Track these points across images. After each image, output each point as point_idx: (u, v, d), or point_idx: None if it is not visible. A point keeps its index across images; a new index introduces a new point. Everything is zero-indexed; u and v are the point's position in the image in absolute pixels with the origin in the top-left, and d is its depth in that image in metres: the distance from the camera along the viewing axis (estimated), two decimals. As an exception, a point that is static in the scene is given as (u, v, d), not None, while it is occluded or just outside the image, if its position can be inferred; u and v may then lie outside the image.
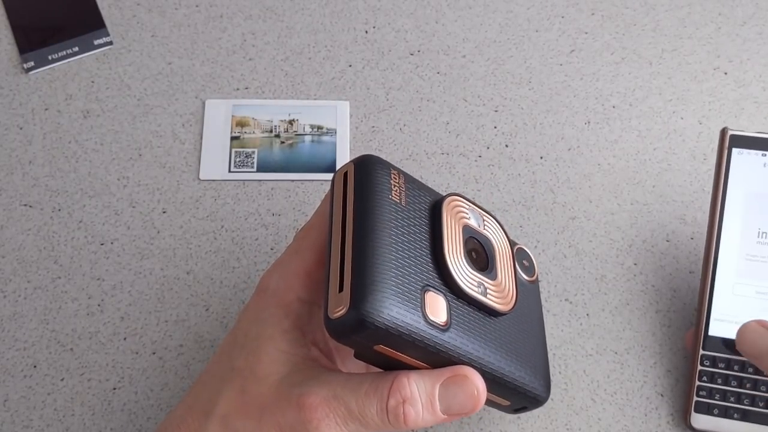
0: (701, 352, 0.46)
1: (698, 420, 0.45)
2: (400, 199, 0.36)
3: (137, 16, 0.61)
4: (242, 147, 0.56)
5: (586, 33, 0.62)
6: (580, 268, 0.52)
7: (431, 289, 0.34)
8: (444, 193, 0.39)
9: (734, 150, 0.47)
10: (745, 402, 0.45)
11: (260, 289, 0.38)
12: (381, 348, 0.33)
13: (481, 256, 0.38)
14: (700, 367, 0.46)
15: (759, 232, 0.46)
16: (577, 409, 0.47)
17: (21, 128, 0.56)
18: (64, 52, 0.59)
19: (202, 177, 0.54)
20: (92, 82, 0.58)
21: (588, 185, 0.55)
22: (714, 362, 0.46)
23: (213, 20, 0.61)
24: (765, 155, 0.47)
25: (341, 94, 0.58)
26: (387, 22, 0.62)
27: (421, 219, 0.36)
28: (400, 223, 0.35)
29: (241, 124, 0.57)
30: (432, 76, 0.60)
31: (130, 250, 0.51)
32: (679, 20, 0.63)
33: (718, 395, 0.45)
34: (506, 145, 0.57)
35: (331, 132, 0.57)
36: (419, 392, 0.34)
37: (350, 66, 0.60)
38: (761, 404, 0.45)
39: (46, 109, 0.57)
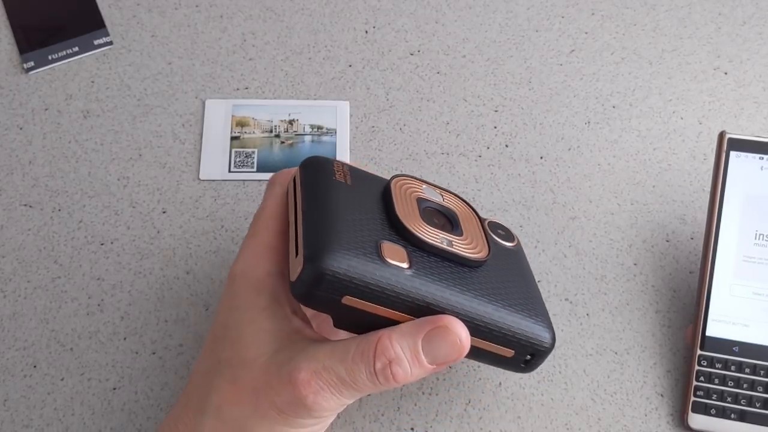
0: (699, 352, 0.46)
1: (695, 420, 0.45)
2: (345, 180, 0.38)
3: (137, 16, 0.61)
4: (242, 147, 0.56)
5: (586, 33, 0.62)
6: (580, 268, 0.52)
7: (387, 241, 0.35)
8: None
9: (732, 153, 0.47)
10: (742, 402, 0.45)
11: (229, 279, 0.38)
12: (349, 300, 0.34)
13: (443, 220, 0.39)
14: (697, 368, 0.46)
15: (756, 234, 0.47)
16: (577, 409, 0.47)
17: (21, 128, 0.56)
18: (64, 52, 0.59)
19: (202, 177, 0.54)
20: (92, 82, 0.58)
21: (588, 185, 0.55)
22: (711, 363, 0.46)
23: (213, 20, 0.61)
24: (762, 158, 0.47)
25: (341, 94, 0.58)
26: (387, 22, 0.62)
27: (370, 196, 0.38)
28: (347, 196, 0.36)
29: (241, 124, 0.57)
30: (432, 76, 0.60)
31: (130, 250, 0.51)
32: (679, 20, 0.63)
33: (715, 395, 0.45)
34: (506, 145, 0.57)
35: (331, 132, 0.57)
36: (403, 350, 0.34)
37: (350, 66, 0.60)
38: (758, 404, 0.45)
39: (46, 109, 0.57)
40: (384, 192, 0.38)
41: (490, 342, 0.37)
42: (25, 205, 0.53)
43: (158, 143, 0.56)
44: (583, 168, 0.56)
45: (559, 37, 0.62)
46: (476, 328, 0.36)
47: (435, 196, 0.40)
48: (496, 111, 0.58)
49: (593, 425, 0.46)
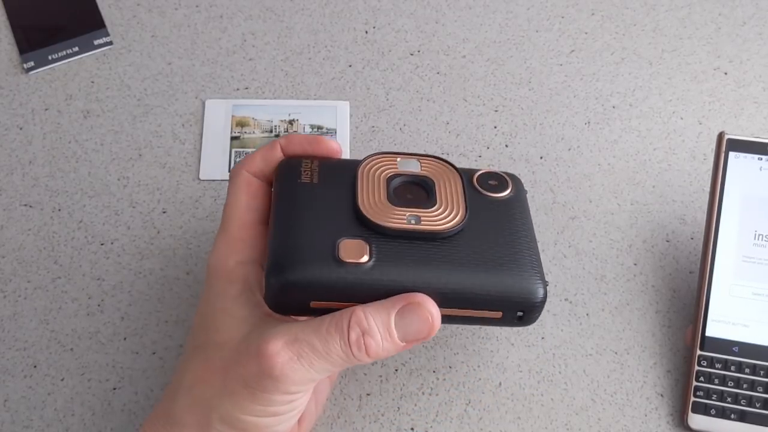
0: (698, 352, 0.46)
1: (695, 420, 0.45)
2: (312, 179, 0.39)
3: (137, 16, 0.61)
4: (242, 147, 0.56)
5: (586, 33, 0.62)
6: (580, 268, 0.52)
7: (346, 237, 0.36)
8: None
9: (731, 153, 0.48)
10: (742, 402, 0.45)
11: (206, 273, 0.39)
12: (316, 304, 0.35)
13: (417, 193, 0.39)
14: (697, 368, 0.46)
15: (755, 234, 0.47)
16: (577, 409, 0.47)
17: (21, 128, 0.56)
18: (64, 52, 0.59)
19: (202, 177, 0.54)
20: (92, 82, 0.58)
21: (588, 185, 0.55)
22: (711, 363, 0.46)
23: (213, 20, 0.61)
24: (761, 159, 0.48)
25: (341, 94, 0.58)
26: (387, 22, 0.62)
27: (337, 190, 0.38)
28: (311, 197, 0.38)
29: (241, 124, 0.57)
30: (432, 76, 0.60)
31: (130, 250, 0.51)
32: (679, 20, 0.63)
33: (715, 396, 0.45)
34: (506, 145, 0.57)
35: (331, 132, 0.57)
36: (377, 324, 0.35)
37: (350, 66, 0.60)
38: (758, 405, 0.45)
39: (46, 109, 0.57)
40: (352, 181, 0.39)
41: (471, 309, 0.37)
42: (25, 205, 0.53)
43: (158, 143, 0.56)
44: (583, 168, 0.56)
45: (559, 37, 0.62)
46: (452, 299, 0.36)
47: (411, 167, 0.40)
48: (496, 111, 0.58)
49: (593, 425, 0.46)
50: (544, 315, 0.50)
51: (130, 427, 0.45)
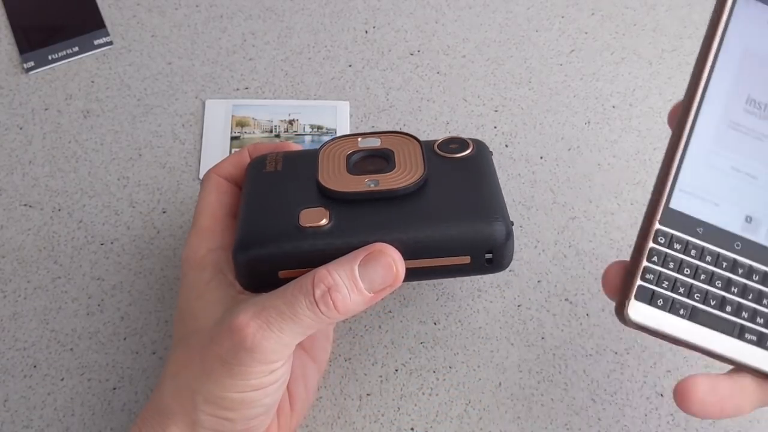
0: (656, 226, 0.37)
1: (637, 310, 0.36)
2: (276, 168, 0.41)
3: (137, 16, 0.61)
4: (242, 147, 0.56)
5: (586, 33, 0.62)
6: (580, 268, 0.52)
7: (307, 207, 0.37)
8: None
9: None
10: (695, 297, 0.37)
11: (181, 270, 0.40)
12: (285, 273, 0.36)
13: (377, 164, 0.40)
14: (651, 245, 0.37)
15: (748, 99, 0.38)
16: (577, 409, 0.47)
17: (21, 128, 0.56)
18: (64, 52, 0.59)
19: (202, 177, 0.54)
20: (92, 82, 0.58)
21: (588, 185, 0.55)
22: (670, 242, 0.37)
23: (213, 20, 0.61)
24: None
25: (341, 94, 0.58)
26: (387, 22, 0.62)
27: (299, 173, 0.40)
28: (274, 182, 0.40)
29: (241, 124, 0.57)
30: (432, 76, 0.60)
31: (130, 250, 0.51)
32: (679, 20, 0.63)
33: (666, 283, 0.37)
34: (506, 145, 0.57)
35: (331, 132, 0.57)
36: (341, 278, 0.35)
37: (350, 66, 0.60)
38: (713, 303, 0.37)
39: (46, 109, 0.57)
40: (314, 163, 0.40)
41: (437, 258, 0.37)
42: (25, 205, 0.53)
43: (158, 143, 0.56)
44: (583, 168, 0.56)
45: (559, 37, 0.62)
46: (416, 249, 0.37)
47: (371, 143, 0.41)
48: (496, 111, 0.58)
49: (593, 425, 0.46)
50: (544, 315, 0.50)
51: (130, 426, 0.45)
